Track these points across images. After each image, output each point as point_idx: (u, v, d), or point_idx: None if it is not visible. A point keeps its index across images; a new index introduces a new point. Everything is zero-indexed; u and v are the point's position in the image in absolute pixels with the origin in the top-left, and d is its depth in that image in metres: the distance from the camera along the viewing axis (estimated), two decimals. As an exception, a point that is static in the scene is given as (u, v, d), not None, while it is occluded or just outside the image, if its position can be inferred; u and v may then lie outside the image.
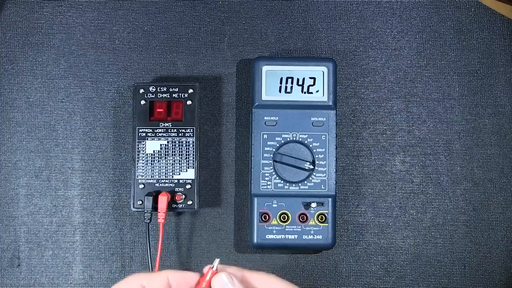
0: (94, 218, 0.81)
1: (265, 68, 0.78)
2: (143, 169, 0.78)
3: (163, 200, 0.76)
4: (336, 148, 0.78)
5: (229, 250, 0.81)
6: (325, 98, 0.78)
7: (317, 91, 0.78)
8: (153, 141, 0.78)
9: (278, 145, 0.77)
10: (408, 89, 0.82)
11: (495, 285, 0.81)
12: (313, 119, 0.78)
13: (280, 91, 0.78)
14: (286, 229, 0.77)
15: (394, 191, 0.82)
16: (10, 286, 0.81)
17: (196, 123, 0.78)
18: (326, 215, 0.77)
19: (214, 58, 0.82)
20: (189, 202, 0.78)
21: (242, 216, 0.81)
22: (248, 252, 0.81)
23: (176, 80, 0.82)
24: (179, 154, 0.78)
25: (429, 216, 0.82)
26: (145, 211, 0.76)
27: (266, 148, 0.77)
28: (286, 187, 0.77)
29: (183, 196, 0.78)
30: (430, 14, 0.83)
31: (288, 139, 0.77)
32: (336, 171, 0.77)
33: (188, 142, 0.78)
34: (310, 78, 0.78)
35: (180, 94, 0.78)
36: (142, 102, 0.78)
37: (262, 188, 0.77)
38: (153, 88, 0.78)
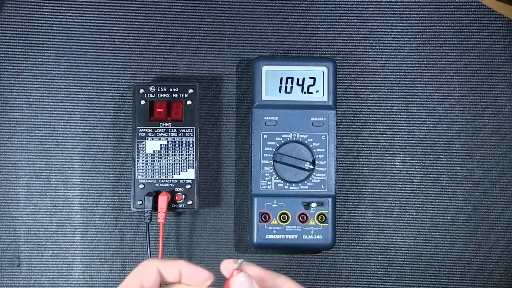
0: (94, 218, 0.81)
1: (265, 68, 0.78)
2: (143, 169, 0.78)
3: (163, 200, 0.76)
4: (336, 148, 0.78)
5: (229, 250, 0.81)
6: (325, 98, 0.78)
7: (317, 91, 0.78)
8: (153, 141, 0.78)
9: (278, 145, 0.77)
10: (408, 89, 0.82)
11: (495, 285, 0.81)
12: (313, 119, 0.78)
13: (280, 91, 0.78)
14: (286, 229, 0.77)
15: (394, 191, 0.82)
16: (10, 286, 0.81)
17: (196, 123, 0.78)
18: (326, 215, 0.77)
19: (214, 58, 0.82)
20: (189, 202, 0.78)
21: (242, 216, 0.81)
22: (248, 252, 0.81)
23: (176, 80, 0.82)
24: (179, 154, 0.78)
25: (429, 216, 0.82)
26: (145, 211, 0.76)
27: (266, 148, 0.77)
28: (286, 187, 0.77)
29: (183, 196, 0.78)
30: (430, 14, 0.83)
31: (288, 139, 0.77)
32: (336, 171, 0.77)
33: (188, 142, 0.78)
34: (310, 78, 0.78)
35: (180, 94, 0.78)
36: (142, 102, 0.78)
37: (262, 188, 0.77)
38: (153, 88, 0.78)
